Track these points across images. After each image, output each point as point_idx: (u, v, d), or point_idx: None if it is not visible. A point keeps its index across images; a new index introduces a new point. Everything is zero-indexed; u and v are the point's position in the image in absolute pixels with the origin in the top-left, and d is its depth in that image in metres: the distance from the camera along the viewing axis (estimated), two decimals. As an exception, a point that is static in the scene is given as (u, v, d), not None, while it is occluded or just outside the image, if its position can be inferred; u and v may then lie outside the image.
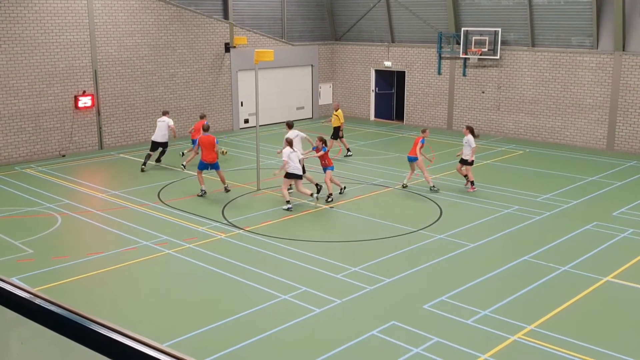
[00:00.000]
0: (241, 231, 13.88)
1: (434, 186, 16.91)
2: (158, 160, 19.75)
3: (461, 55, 25.42)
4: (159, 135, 19.29)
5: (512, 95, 24.71)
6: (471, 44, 25.01)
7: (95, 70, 21.84)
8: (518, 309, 10.11)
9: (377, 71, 28.97)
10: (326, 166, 16.29)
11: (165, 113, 19.87)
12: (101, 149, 22.33)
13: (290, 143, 15.82)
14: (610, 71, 22.21)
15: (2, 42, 19.69)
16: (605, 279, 11.29)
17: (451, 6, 25.33)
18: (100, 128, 22.29)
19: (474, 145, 16.82)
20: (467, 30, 25.11)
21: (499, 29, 24.31)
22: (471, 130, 17.12)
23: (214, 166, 16.62)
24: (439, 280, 11.31)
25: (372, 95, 29.21)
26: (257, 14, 27.11)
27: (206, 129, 17.04)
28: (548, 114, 23.88)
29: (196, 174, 16.91)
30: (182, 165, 19.21)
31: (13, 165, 19.86)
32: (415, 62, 27.39)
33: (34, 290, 1.80)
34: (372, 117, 29.26)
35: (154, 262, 12.20)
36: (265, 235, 13.62)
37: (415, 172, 17.19)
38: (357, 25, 29.10)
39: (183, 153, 20.67)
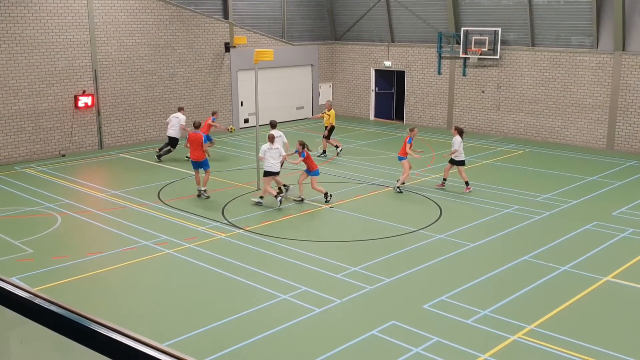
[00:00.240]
0: (241, 231, 13.88)
1: (399, 187, 16.89)
2: (159, 156, 20.22)
3: (461, 55, 25.42)
4: (171, 131, 20.13)
5: (512, 95, 24.71)
6: (471, 44, 25.01)
7: (95, 70, 21.84)
8: (518, 309, 10.11)
9: (377, 71, 28.97)
10: (310, 170, 15.85)
11: (180, 109, 20.70)
12: (101, 148, 22.33)
13: (271, 139, 15.60)
14: (610, 71, 22.21)
15: (2, 42, 19.69)
16: (605, 279, 11.29)
17: (451, 6, 25.33)
18: (100, 128, 22.29)
19: (455, 146, 16.75)
20: (467, 30, 25.11)
21: (499, 29, 24.31)
22: (459, 132, 17.04)
23: (202, 164, 16.20)
24: (438, 280, 11.31)
25: (372, 95, 29.22)
26: (257, 14, 27.11)
27: (196, 126, 16.83)
28: (548, 114, 23.88)
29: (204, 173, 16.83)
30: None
31: (13, 165, 19.86)
32: (415, 61, 27.39)
33: (33, 290, 1.80)
34: (372, 117, 29.26)
35: (153, 262, 12.20)
36: (265, 235, 13.62)
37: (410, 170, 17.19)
38: (357, 25, 29.10)
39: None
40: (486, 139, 24.51)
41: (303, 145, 15.94)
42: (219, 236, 13.55)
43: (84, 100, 21.50)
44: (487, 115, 25.53)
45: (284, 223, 14.53)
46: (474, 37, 24.97)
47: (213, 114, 20.84)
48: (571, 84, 23.17)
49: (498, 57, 24.53)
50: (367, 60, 29.05)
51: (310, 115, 29.13)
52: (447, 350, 8.78)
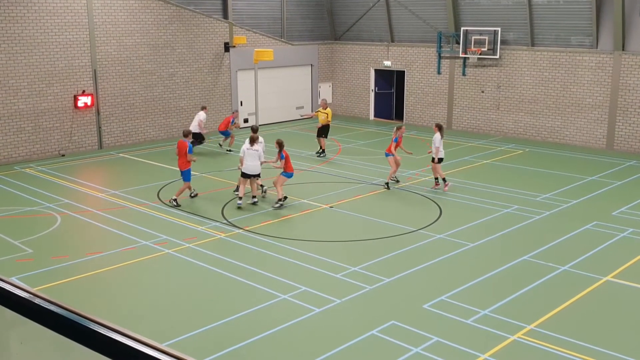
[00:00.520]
0: (241, 231, 13.88)
1: (387, 184, 17.11)
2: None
3: (461, 55, 25.42)
4: (192, 126, 20.96)
5: (512, 95, 24.71)
6: (471, 44, 25.01)
7: (95, 70, 21.83)
8: (518, 309, 10.10)
9: (376, 71, 28.97)
10: (285, 170, 15.47)
11: (203, 108, 21.65)
12: (101, 148, 22.33)
13: (253, 140, 15.35)
14: (610, 71, 22.22)
15: (1, 42, 19.68)
16: (604, 279, 11.29)
17: (451, 6, 25.33)
18: (100, 128, 22.28)
19: (437, 144, 16.78)
20: (466, 30, 25.11)
21: (499, 29, 24.31)
22: (440, 128, 17.05)
23: (182, 174, 15.54)
24: (438, 280, 11.31)
25: (372, 94, 29.21)
26: (257, 14, 27.11)
27: (185, 134, 16.06)
28: (548, 114, 23.88)
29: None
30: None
31: (12, 165, 19.85)
32: (415, 61, 27.39)
33: (33, 290, 1.80)
34: (371, 117, 29.26)
35: (153, 261, 12.20)
36: (264, 234, 13.62)
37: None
38: (356, 25, 29.10)
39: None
40: (486, 138, 24.52)
41: (281, 145, 15.52)
42: (219, 236, 13.55)
43: (83, 100, 21.49)
44: (486, 115, 25.53)
45: (284, 223, 14.52)
46: (473, 37, 24.97)
47: (233, 112, 22.16)
48: (571, 83, 23.18)
49: (498, 57, 24.53)
50: (366, 60, 29.05)
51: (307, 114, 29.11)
52: (447, 350, 8.78)
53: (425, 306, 10.18)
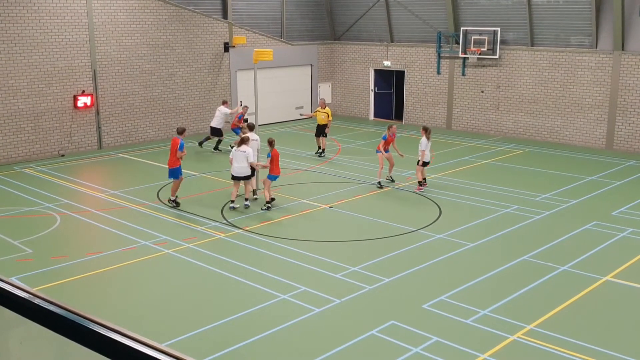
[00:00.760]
0: (240, 231, 13.88)
1: (380, 182, 17.25)
2: (216, 148, 21.86)
3: (460, 55, 25.42)
4: (214, 122, 21.44)
5: (512, 95, 24.71)
6: (470, 44, 25.01)
7: (95, 70, 21.83)
8: (517, 309, 10.11)
9: (376, 71, 28.97)
10: (270, 172, 15.24)
11: (224, 102, 21.96)
12: (100, 148, 22.32)
13: (243, 141, 15.07)
14: (610, 71, 22.22)
15: (1, 42, 19.67)
16: (604, 279, 11.29)
17: (450, 6, 25.34)
18: (100, 128, 22.28)
19: (422, 147, 16.78)
20: (466, 30, 25.11)
21: (498, 29, 24.31)
22: (426, 131, 17.04)
23: (171, 172, 15.22)
24: (438, 280, 11.31)
25: (372, 94, 29.21)
26: (256, 14, 27.11)
27: (179, 132, 15.57)
28: (547, 114, 23.89)
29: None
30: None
31: (12, 165, 19.84)
32: (415, 61, 27.39)
33: (33, 290, 1.80)
34: (371, 117, 29.26)
35: (153, 261, 12.20)
36: (264, 234, 13.62)
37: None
38: (356, 25, 29.10)
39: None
40: (485, 138, 24.52)
41: (271, 143, 15.30)
42: (219, 236, 13.55)
43: (83, 100, 21.49)
44: (486, 115, 25.53)
45: (284, 223, 14.52)
46: (473, 37, 24.97)
47: (243, 107, 22.00)
48: (570, 83, 23.18)
49: (497, 57, 24.53)
50: (366, 60, 29.05)
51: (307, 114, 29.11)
52: (446, 350, 8.78)
53: (425, 306, 10.19)
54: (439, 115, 26.93)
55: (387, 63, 28.28)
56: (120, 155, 21.57)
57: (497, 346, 8.90)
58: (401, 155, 17.96)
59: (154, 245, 12.92)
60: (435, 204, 15.90)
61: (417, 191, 16.80)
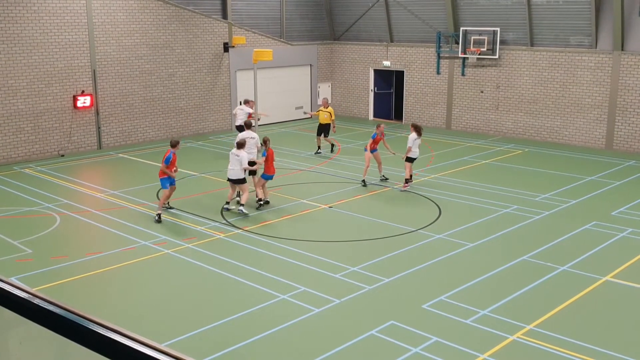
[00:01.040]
0: (240, 231, 13.88)
1: (363, 181, 17.38)
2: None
3: (460, 55, 25.43)
4: (238, 121, 20.69)
5: (511, 95, 24.72)
6: (470, 44, 25.02)
7: (94, 70, 21.83)
8: (517, 309, 10.11)
9: (376, 71, 28.97)
10: (264, 172, 15.17)
11: (246, 102, 21.11)
12: (100, 148, 22.32)
13: (239, 144, 14.85)
14: (609, 71, 22.23)
15: (1, 42, 19.67)
16: (604, 279, 11.30)
17: (450, 6, 25.34)
18: (99, 128, 22.28)
19: (409, 144, 16.84)
20: (466, 30, 25.12)
21: (498, 29, 24.32)
22: (415, 129, 17.03)
23: (160, 181, 14.73)
24: (437, 280, 11.32)
25: (371, 94, 29.21)
26: (256, 14, 27.11)
27: (171, 144, 14.71)
28: (547, 114, 23.89)
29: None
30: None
31: (12, 165, 19.84)
32: (414, 61, 27.39)
33: (32, 290, 1.80)
34: (370, 117, 29.26)
35: (153, 262, 12.20)
36: (264, 235, 13.62)
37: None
38: (355, 25, 29.10)
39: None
40: (485, 138, 24.52)
41: (265, 142, 15.21)
42: (218, 236, 13.55)
43: (82, 100, 21.48)
44: (486, 115, 25.53)
45: (283, 223, 14.52)
46: (472, 37, 24.97)
47: (248, 102, 21.53)
48: (570, 83, 23.18)
49: (497, 57, 24.53)
50: (366, 60, 29.05)
51: (308, 115, 29.13)
52: (446, 350, 8.78)
53: (424, 306, 10.19)
54: (439, 115, 26.93)
55: (386, 63, 28.28)
56: (120, 155, 21.56)
57: (496, 346, 8.90)
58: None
59: (153, 246, 12.92)
60: (435, 204, 15.90)
61: (403, 189, 16.81)
